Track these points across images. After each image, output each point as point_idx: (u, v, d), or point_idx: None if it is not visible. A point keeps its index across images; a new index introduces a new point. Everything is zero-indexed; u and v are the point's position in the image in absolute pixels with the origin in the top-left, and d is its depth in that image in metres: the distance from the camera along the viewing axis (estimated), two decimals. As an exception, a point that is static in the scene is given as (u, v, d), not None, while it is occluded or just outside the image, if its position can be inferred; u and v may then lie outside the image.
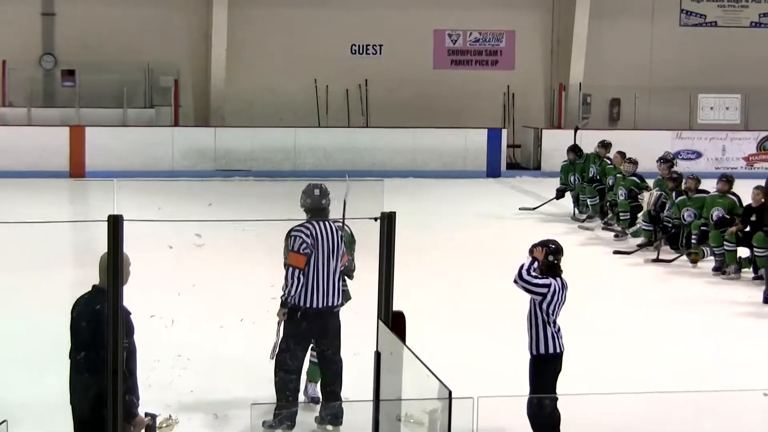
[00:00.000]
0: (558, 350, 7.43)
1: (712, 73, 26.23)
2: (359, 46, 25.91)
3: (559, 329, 7.45)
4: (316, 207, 7.85)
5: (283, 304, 7.70)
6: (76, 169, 22.40)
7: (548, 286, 7.39)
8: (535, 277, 7.41)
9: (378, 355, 5.46)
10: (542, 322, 7.39)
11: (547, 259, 7.49)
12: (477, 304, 11.74)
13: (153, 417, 5.99)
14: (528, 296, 7.49)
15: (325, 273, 7.70)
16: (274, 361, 7.75)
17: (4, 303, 10.84)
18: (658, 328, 11.13)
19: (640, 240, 15.53)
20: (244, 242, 12.82)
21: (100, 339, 5.33)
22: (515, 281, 7.43)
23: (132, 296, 5.66)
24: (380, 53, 25.95)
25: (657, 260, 14.50)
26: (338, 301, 7.80)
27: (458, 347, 9.91)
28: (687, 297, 12.76)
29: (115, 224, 5.08)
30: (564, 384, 7.51)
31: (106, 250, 5.19)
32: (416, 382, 4.77)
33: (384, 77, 25.38)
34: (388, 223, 5.54)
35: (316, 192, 7.87)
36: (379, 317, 5.50)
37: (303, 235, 7.69)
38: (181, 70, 24.55)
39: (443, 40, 26.30)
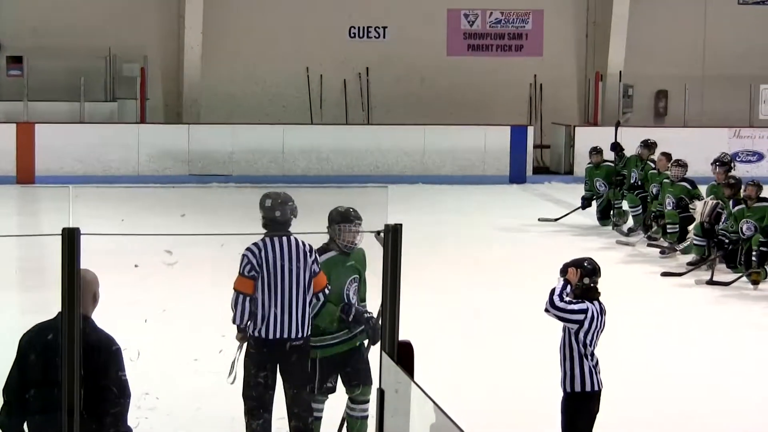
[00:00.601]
0: (595, 388, 7.44)
1: (777, 60, 26.31)
2: (359, 28, 25.97)
3: (597, 363, 7.45)
4: (270, 220, 7.77)
5: (240, 329, 7.74)
6: (24, 174, 22.44)
7: (585, 311, 7.38)
8: (570, 303, 7.40)
9: (381, 393, 5.46)
10: (578, 354, 7.38)
11: (582, 282, 7.48)
12: (497, 333, 11.73)
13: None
14: (561, 324, 7.48)
15: (280, 298, 7.63)
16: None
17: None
18: (712, 362, 11.12)
19: (690, 257, 15.53)
20: (223, 260, 12.78)
21: (59, 374, 5.31)
22: (546, 309, 7.42)
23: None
24: (384, 37, 26.01)
25: (711, 282, 14.48)
26: (302, 332, 7.67)
27: (475, 383, 9.91)
28: (746, 324, 12.75)
29: (70, 239, 5.09)
30: (601, 427, 7.52)
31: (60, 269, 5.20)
32: (426, 424, 4.77)
33: (389, 65, 25.44)
34: (393, 237, 5.55)
35: (268, 203, 7.76)
36: (382, 348, 5.50)
37: (250, 254, 7.71)
38: (149, 57, 24.60)
39: (459, 21, 26.37)
